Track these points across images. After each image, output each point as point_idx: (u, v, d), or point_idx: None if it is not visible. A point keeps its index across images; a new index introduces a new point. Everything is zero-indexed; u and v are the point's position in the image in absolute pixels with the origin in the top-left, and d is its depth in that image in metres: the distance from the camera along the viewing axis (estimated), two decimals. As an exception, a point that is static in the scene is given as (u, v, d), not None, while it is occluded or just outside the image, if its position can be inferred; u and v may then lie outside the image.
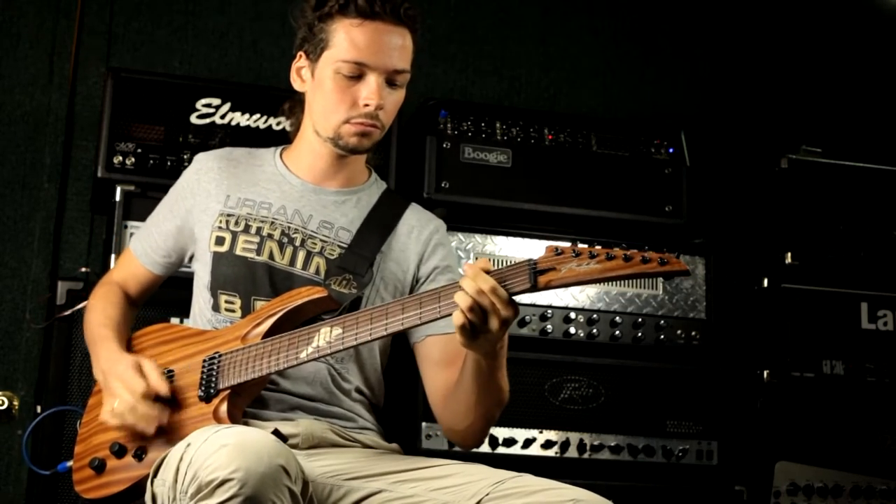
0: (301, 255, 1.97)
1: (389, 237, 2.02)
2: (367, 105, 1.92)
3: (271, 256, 1.97)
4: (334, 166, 2.04)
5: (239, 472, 1.47)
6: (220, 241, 2.00)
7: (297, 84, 2.04)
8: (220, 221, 2.01)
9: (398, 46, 1.94)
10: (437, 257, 2.05)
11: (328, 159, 2.04)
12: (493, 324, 1.62)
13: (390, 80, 1.95)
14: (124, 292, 2.14)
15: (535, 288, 1.60)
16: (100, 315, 2.06)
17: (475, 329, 1.63)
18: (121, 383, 1.82)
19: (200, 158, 2.11)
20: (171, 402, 1.83)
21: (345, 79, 1.93)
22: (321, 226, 2.01)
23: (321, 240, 1.99)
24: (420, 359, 2.00)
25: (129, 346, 1.99)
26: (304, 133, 2.06)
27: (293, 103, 2.13)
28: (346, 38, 1.92)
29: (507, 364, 2.60)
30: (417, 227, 2.06)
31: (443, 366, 1.94)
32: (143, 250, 2.14)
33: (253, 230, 1.99)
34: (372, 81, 1.92)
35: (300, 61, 2.03)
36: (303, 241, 1.98)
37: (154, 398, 1.80)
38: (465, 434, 1.90)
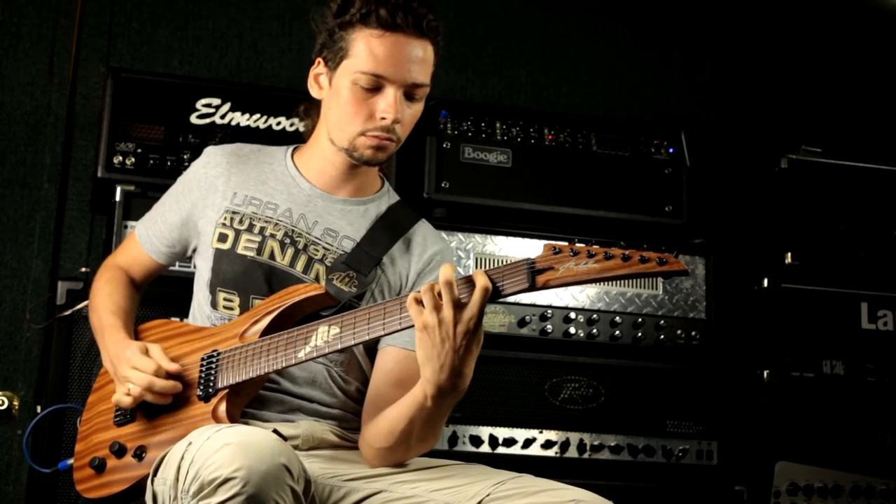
0: (302, 259, 1.96)
1: (396, 246, 2.01)
2: (383, 119, 1.89)
3: (272, 256, 1.96)
4: (345, 175, 2.02)
5: (242, 470, 1.47)
6: (222, 238, 1.99)
7: (314, 91, 2.00)
8: (225, 218, 2.00)
9: (419, 60, 1.90)
10: (432, 277, 2.01)
11: (340, 168, 2.01)
12: (446, 314, 1.60)
13: (409, 94, 1.92)
14: (129, 276, 2.14)
15: (532, 287, 1.59)
16: (106, 300, 2.06)
17: (428, 322, 1.62)
18: (130, 366, 1.83)
19: (210, 152, 2.09)
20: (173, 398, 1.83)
21: (362, 90, 1.89)
22: (325, 233, 1.99)
23: (324, 247, 1.98)
24: (375, 364, 1.96)
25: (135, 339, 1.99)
26: (319, 139, 2.04)
27: (309, 106, 2.10)
28: (366, 49, 1.88)
29: (507, 364, 2.64)
30: (422, 244, 2.04)
31: (392, 380, 1.89)
32: (147, 238, 2.14)
33: (256, 229, 1.98)
34: (390, 95, 1.89)
35: (318, 68, 1.99)
36: (305, 246, 1.97)
37: (165, 376, 1.82)
38: (377, 454, 1.83)
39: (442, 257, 2.05)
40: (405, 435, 1.78)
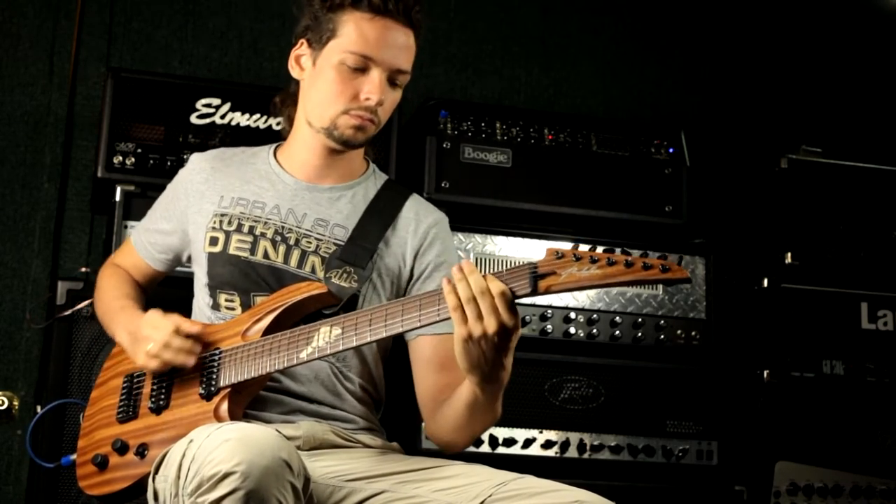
0: (295, 254, 1.97)
1: (388, 230, 2.01)
2: (368, 99, 1.92)
3: (266, 255, 1.97)
4: (327, 162, 2.03)
5: (242, 465, 1.46)
6: (213, 241, 2.00)
7: (294, 71, 2.03)
8: (214, 222, 2.01)
9: (405, 46, 1.94)
10: (433, 252, 2.02)
11: (321, 154, 2.02)
12: (492, 325, 1.59)
13: (391, 79, 1.95)
14: (131, 275, 2.16)
15: (535, 292, 1.59)
16: (113, 291, 2.08)
17: (474, 334, 1.61)
18: (150, 327, 1.84)
19: (194, 159, 2.12)
20: (171, 398, 1.83)
21: (349, 70, 1.92)
22: (315, 224, 2.00)
23: (316, 238, 1.98)
24: (412, 358, 1.99)
25: None
26: (298, 127, 2.05)
27: (284, 97, 2.12)
28: (356, 30, 1.91)
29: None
30: (415, 220, 2.04)
31: (434, 367, 1.92)
32: (142, 244, 2.15)
33: (246, 229, 1.99)
34: (375, 77, 1.92)
35: (300, 48, 2.01)
36: (297, 241, 1.98)
37: (186, 336, 1.83)
38: (447, 445, 1.90)
39: (437, 229, 2.05)
40: (470, 426, 1.82)
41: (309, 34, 1.99)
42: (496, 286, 1.60)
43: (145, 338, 1.85)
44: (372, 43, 1.91)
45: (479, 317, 1.60)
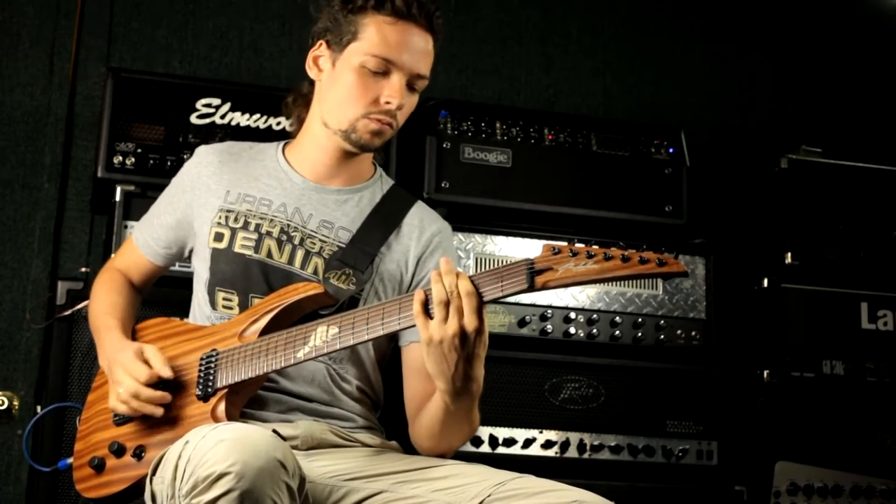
0: (300, 254, 1.96)
1: (392, 235, 2.01)
2: (388, 103, 1.91)
3: (269, 254, 1.96)
4: (338, 163, 2.02)
5: (236, 465, 1.46)
6: (218, 237, 1.99)
7: (312, 72, 2.01)
8: (220, 217, 2.00)
9: (425, 52, 1.94)
10: (434, 260, 2.01)
11: (333, 156, 2.01)
12: (452, 327, 1.60)
13: (410, 84, 1.94)
14: (127, 279, 2.14)
15: (532, 288, 1.59)
16: (103, 303, 2.06)
17: (434, 337, 1.62)
18: (123, 370, 1.83)
19: (201, 152, 2.10)
20: (170, 399, 1.83)
21: (369, 73, 1.91)
22: (321, 225, 1.99)
23: (320, 239, 1.98)
24: (403, 364, 1.99)
25: (132, 339, 1.99)
26: (310, 127, 2.04)
27: (297, 95, 2.11)
28: (378, 34, 1.90)
29: (507, 364, 2.64)
30: (419, 227, 2.04)
31: (422, 376, 1.90)
32: (144, 241, 2.14)
33: (252, 227, 1.98)
34: (396, 81, 1.91)
35: (319, 49, 1.99)
36: (302, 241, 1.97)
37: (158, 382, 1.81)
38: (427, 451, 1.90)
39: (441, 238, 2.05)
40: (442, 433, 1.83)
41: (328, 35, 1.97)
42: (465, 287, 1.61)
43: (117, 381, 1.84)
44: (394, 46, 1.90)
45: (444, 320, 1.61)
